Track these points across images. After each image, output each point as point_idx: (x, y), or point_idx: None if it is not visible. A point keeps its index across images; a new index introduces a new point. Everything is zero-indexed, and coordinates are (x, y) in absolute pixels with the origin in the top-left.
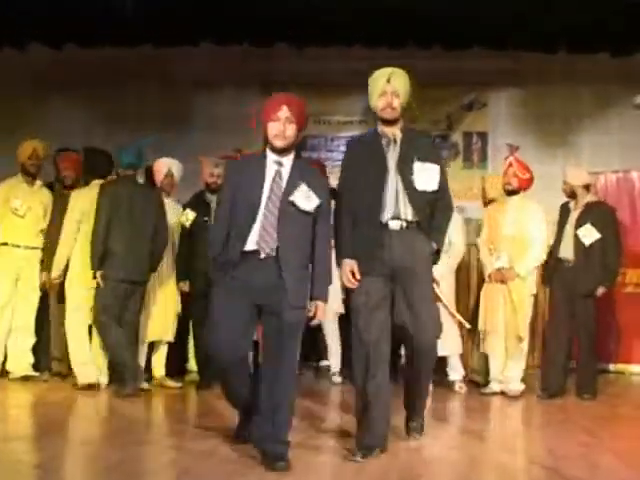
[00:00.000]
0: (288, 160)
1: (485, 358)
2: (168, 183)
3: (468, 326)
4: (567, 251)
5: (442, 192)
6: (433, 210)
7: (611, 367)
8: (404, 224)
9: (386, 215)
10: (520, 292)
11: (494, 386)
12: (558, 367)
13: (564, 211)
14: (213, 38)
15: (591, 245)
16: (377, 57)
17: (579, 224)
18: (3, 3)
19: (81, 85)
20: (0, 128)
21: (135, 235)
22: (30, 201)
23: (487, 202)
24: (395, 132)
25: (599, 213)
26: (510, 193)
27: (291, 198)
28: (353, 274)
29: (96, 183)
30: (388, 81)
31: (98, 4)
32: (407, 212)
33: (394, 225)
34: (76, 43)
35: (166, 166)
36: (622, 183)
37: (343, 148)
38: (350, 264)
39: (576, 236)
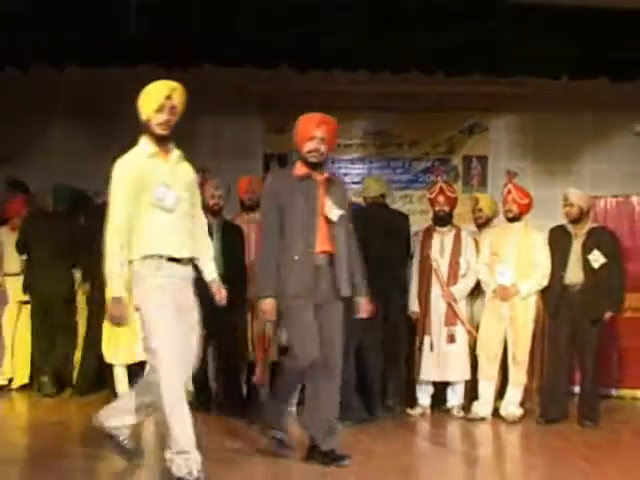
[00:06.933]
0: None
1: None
2: None
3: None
4: (574, 277)
5: None
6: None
7: (613, 392)
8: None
9: None
10: (523, 314)
11: (481, 411)
12: (559, 392)
13: (561, 236)
14: (213, 60)
15: (598, 270)
16: (379, 82)
17: (586, 249)
18: (4, 24)
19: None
20: None
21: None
22: None
23: (480, 224)
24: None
25: (603, 238)
26: (511, 220)
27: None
28: None
29: None
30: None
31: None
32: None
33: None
34: (78, 65)
35: None
36: (622, 207)
37: (344, 170)
38: None
39: (585, 261)
